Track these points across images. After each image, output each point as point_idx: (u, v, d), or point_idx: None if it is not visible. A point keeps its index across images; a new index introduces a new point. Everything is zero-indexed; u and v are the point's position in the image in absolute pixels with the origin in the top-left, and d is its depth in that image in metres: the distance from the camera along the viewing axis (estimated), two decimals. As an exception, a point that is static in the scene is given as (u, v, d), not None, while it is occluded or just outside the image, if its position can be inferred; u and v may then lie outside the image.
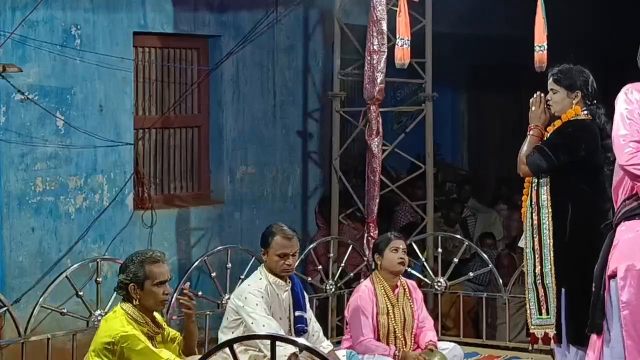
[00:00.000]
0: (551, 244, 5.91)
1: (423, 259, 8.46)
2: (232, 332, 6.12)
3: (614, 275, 4.93)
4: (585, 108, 5.98)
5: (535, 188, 5.97)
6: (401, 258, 6.85)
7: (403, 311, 6.84)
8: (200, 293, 7.48)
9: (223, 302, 7.30)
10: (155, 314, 5.44)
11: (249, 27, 9.25)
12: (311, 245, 8.29)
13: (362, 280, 7.44)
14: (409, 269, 8.19)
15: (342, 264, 8.27)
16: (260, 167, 9.57)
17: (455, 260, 8.32)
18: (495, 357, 7.68)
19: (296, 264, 6.40)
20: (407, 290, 6.95)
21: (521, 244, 6.20)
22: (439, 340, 7.03)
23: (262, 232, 6.43)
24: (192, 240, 8.95)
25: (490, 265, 8.24)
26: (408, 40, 7.61)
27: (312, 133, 10.07)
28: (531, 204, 5.99)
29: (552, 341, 5.99)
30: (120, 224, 8.35)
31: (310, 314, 6.50)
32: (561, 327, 5.89)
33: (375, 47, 8.32)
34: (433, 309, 8.22)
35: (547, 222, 5.92)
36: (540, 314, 6.00)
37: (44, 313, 6.75)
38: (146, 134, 8.80)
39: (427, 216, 9.80)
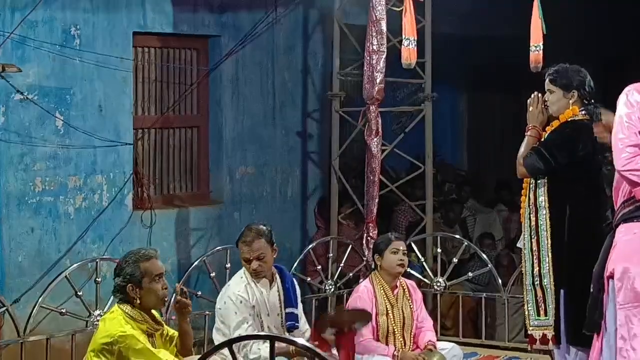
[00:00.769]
0: (549, 245, 5.91)
1: (423, 259, 8.46)
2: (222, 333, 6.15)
3: (612, 276, 4.93)
4: (583, 108, 5.95)
5: (533, 189, 5.96)
6: (401, 260, 6.85)
7: (402, 311, 6.84)
8: (199, 293, 7.49)
9: (222, 302, 7.29)
10: (154, 312, 5.45)
11: (248, 28, 9.25)
12: (310, 246, 8.29)
13: (361, 280, 7.44)
14: (409, 269, 8.20)
15: (342, 264, 8.28)
16: (260, 167, 9.57)
17: (455, 260, 8.32)
18: (494, 357, 7.68)
19: (269, 264, 6.21)
20: (406, 290, 6.94)
21: (520, 244, 6.19)
22: (438, 340, 7.03)
23: None
24: (192, 240, 8.95)
25: (489, 266, 8.24)
26: (414, 40, 7.61)
27: (311, 133, 10.07)
28: (529, 205, 5.98)
29: (550, 342, 5.98)
30: (120, 224, 8.35)
31: (299, 311, 6.44)
32: (560, 328, 5.88)
33: (374, 47, 8.31)
34: (432, 309, 8.21)
35: (545, 223, 5.91)
36: (539, 315, 5.99)
37: (43, 313, 6.76)
38: (145, 134, 8.79)
39: (427, 216, 9.80)
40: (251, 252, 6.16)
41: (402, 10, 7.72)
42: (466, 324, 8.57)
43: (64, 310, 6.78)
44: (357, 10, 9.65)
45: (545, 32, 7.65)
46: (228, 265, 7.47)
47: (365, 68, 8.43)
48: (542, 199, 5.92)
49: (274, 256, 6.28)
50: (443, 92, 10.66)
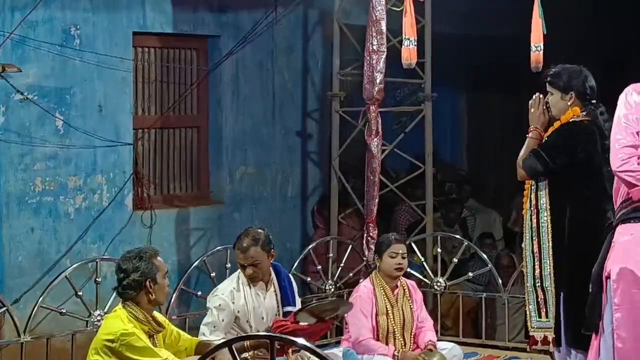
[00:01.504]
0: (550, 247, 5.90)
1: (423, 259, 8.46)
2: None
3: (609, 277, 4.93)
4: (584, 109, 5.95)
5: (534, 191, 5.96)
6: (398, 264, 6.82)
7: (402, 311, 6.84)
8: (199, 293, 7.49)
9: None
10: (156, 313, 5.47)
11: (248, 27, 9.25)
12: (310, 245, 8.28)
13: (361, 280, 7.44)
14: (409, 269, 8.20)
15: (342, 264, 8.27)
16: (260, 168, 9.56)
17: (455, 260, 8.32)
18: (494, 357, 7.68)
19: (264, 270, 6.21)
20: (406, 290, 6.94)
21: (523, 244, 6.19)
22: (438, 340, 7.03)
23: None
24: (192, 240, 8.94)
25: (489, 266, 8.24)
26: (414, 40, 7.61)
27: (311, 133, 10.07)
28: (530, 207, 5.97)
29: (551, 344, 5.97)
30: (120, 224, 8.34)
31: (297, 308, 6.42)
32: (560, 330, 5.87)
33: (374, 47, 8.31)
34: (432, 309, 8.22)
35: (546, 225, 5.91)
36: (540, 316, 5.97)
37: (44, 313, 6.76)
38: (145, 134, 8.79)
39: (427, 216, 9.80)
40: (246, 259, 6.17)
41: (402, 10, 7.71)
42: (466, 324, 8.57)
43: (64, 311, 6.78)
44: (357, 10, 9.65)
45: (545, 32, 7.65)
46: (228, 265, 7.48)
47: (365, 68, 8.42)
48: (543, 200, 5.91)
49: (272, 260, 6.28)
50: (443, 92, 10.66)
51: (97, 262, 6.94)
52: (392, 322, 6.79)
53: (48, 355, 6.53)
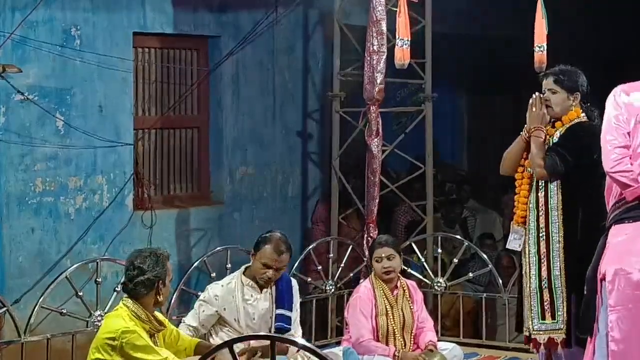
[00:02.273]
0: (561, 247, 5.85)
1: (423, 260, 8.46)
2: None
3: (604, 278, 4.92)
4: (583, 109, 5.97)
5: (543, 191, 5.92)
6: (384, 268, 6.80)
7: (402, 312, 6.83)
8: (199, 293, 7.48)
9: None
10: (156, 312, 5.49)
11: (248, 28, 9.25)
12: (311, 246, 8.28)
13: (361, 280, 7.43)
14: (409, 269, 8.20)
15: (342, 264, 8.27)
16: (260, 168, 9.57)
17: (455, 260, 8.32)
18: (494, 357, 7.67)
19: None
20: (406, 291, 6.93)
21: (511, 246, 6.11)
22: (438, 340, 7.02)
23: (261, 233, 6.42)
24: (192, 240, 8.95)
25: (489, 266, 8.23)
26: (408, 40, 7.61)
27: (311, 133, 10.07)
28: (537, 207, 5.94)
29: (559, 346, 5.89)
30: (120, 225, 8.35)
31: (296, 315, 6.43)
32: (571, 330, 5.83)
33: (374, 47, 8.31)
34: (433, 310, 8.21)
35: (557, 226, 5.87)
36: (544, 318, 5.91)
37: (44, 313, 6.76)
38: (146, 134, 8.79)
39: (427, 217, 9.80)
40: (277, 261, 6.21)
41: (399, 10, 7.72)
42: (466, 325, 8.56)
43: (64, 311, 6.78)
44: (357, 10, 9.65)
45: (546, 32, 7.65)
46: (228, 265, 7.47)
47: (366, 68, 8.42)
48: (554, 200, 5.88)
49: None
50: (443, 93, 10.66)
51: (97, 262, 6.93)
52: (392, 322, 6.79)
53: (48, 355, 6.53)
